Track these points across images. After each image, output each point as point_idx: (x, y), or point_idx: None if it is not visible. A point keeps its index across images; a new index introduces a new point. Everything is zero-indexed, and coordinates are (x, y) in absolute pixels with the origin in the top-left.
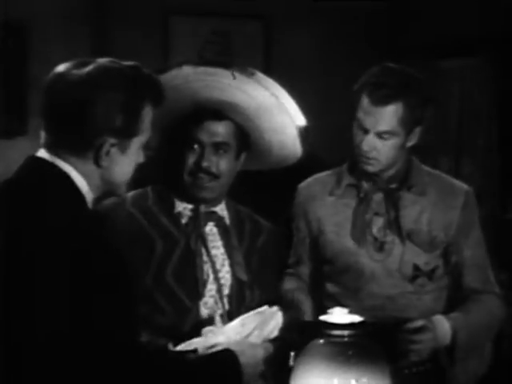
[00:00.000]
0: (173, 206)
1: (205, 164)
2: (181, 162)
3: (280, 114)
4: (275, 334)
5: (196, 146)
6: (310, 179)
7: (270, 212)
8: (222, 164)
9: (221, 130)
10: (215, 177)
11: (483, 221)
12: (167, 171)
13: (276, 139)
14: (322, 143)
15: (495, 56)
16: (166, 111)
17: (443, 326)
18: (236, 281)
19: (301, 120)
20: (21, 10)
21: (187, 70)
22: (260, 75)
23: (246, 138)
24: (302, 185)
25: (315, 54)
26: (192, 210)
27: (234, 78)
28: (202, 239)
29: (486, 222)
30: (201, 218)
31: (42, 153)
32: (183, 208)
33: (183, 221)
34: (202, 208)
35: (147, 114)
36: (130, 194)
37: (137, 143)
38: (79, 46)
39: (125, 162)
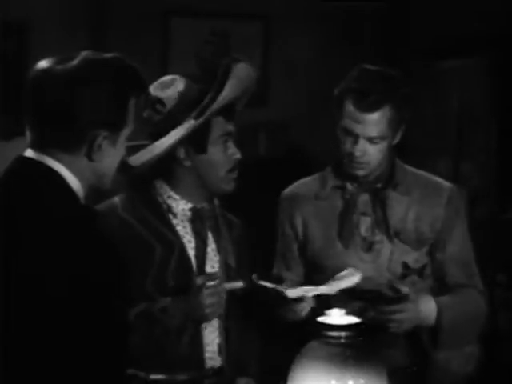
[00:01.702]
0: (168, 208)
1: (239, 156)
2: (218, 158)
3: None
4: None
5: (226, 139)
6: (294, 184)
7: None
8: None
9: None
10: None
11: (482, 221)
12: (180, 172)
13: None
14: (320, 144)
15: (494, 57)
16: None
17: (428, 303)
18: (226, 271)
19: None
20: (21, 10)
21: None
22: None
23: None
24: (286, 191)
25: (314, 55)
26: (191, 210)
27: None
28: (213, 235)
29: (485, 223)
30: (205, 215)
31: (30, 153)
32: (182, 209)
33: (175, 221)
34: (207, 206)
35: (132, 105)
36: (118, 198)
37: (125, 135)
38: (79, 47)
39: (114, 155)
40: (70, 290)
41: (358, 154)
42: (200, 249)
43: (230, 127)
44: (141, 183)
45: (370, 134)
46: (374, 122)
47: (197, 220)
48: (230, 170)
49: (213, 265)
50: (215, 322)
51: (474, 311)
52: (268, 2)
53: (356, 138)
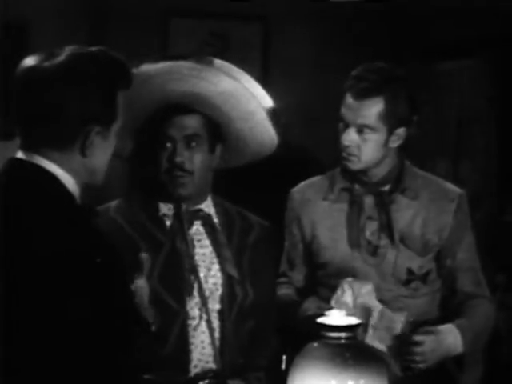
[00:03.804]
0: (157, 209)
1: (178, 159)
2: (156, 162)
3: (246, 99)
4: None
5: (168, 144)
6: (303, 183)
7: (264, 215)
8: (195, 158)
9: (190, 122)
10: (189, 173)
11: (481, 223)
12: (144, 174)
13: (247, 126)
14: (320, 144)
15: (494, 58)
16: (134, 113)
17: (452, 333)
18: (227, 278)
19: (268, 102)
20: (21, 9)
21: (146, 68)
22: (220, 62)
23: (217, 129)
24: (295, 189)
25: (313, 56)
26: (175, 211)
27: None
28: (191, 239)
29: (484, 224)
30: (183, 217)
31: (22, 154)
32: (167, 209)
33: (168, 223)
34: (184, 207)
35: (121, 98)
36: (115, 202)
37: (115, 128)
38: None
39: (106, 149)
40: (69, 291)
41: (345, 142)
42: (179, 251)
43: (170, 131)
44: (141, 185)
45: (359, 121)
46: (364, 109)
47: (175, 223)
48: (165, 173)
49: (209, 267)
50: (206, 323)
51: (487, 324)
52: (267, 2)
53: (346, 125)
